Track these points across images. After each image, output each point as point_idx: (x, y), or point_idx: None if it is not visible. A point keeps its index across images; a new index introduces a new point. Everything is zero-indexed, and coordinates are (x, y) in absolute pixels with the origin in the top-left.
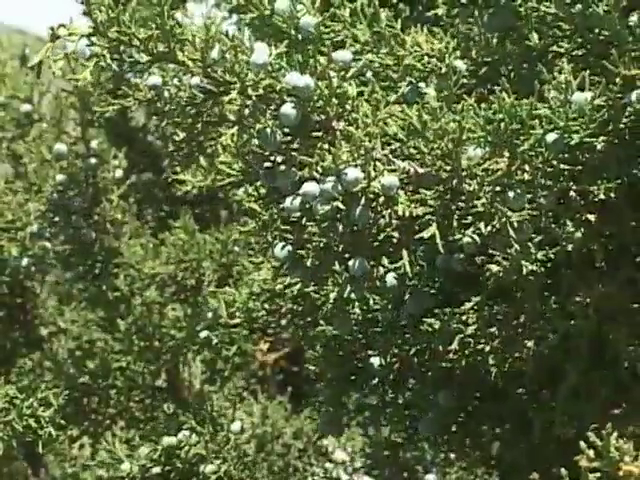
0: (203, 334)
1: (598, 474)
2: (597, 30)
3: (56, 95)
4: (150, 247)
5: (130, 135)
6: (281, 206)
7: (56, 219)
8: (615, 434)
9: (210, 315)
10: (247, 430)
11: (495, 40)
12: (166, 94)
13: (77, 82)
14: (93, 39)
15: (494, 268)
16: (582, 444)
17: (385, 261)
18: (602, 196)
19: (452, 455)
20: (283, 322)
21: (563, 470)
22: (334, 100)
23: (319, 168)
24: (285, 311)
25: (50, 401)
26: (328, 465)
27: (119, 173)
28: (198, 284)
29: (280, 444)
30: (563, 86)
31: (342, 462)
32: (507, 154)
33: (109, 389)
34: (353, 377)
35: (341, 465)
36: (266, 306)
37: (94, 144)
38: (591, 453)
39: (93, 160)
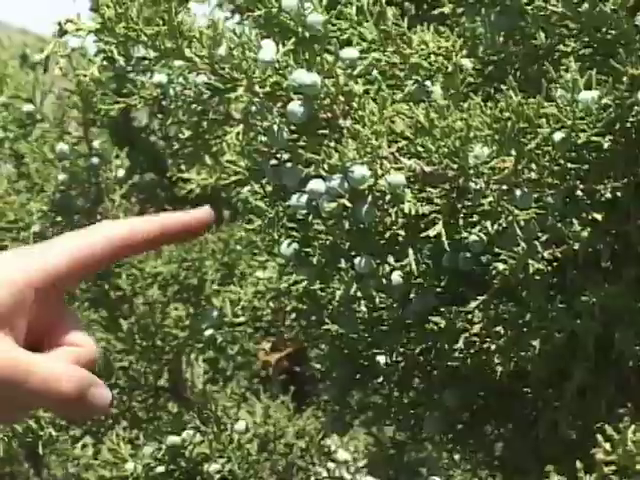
0: (208, 332)
1: (613, 467)
2: (604, 29)
3: (58, 95)
4: None
5: (132, 135)
6: (287, 203)
7: (58, 219)
8: (633, 427)
9: (215, 314)
10: (250, 430)
11: (502, 39)
12: (172, 92)
13: (85, 77)
14: (100, 35)
15: (500, 266)
16: (599, 437)
17: (391, 259)
18: (609, 195)
19: (456, 456)
20: (288, 321)
21: (578, 463)
22: (341, 98)
23: (326, 166)
24: (290, 310)
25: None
26: (331, 465)
27: (121, 173)
28: (200, 283)
29: (282, 444)
30: (570, 85)
31: (345, 462)
32: (514, 153)
33: (112, 389)
34: (359, 375)
35: (344, 465)
36: (271, 305)
37: (96, 144)
38: (608, 446)
39: (95, 160)
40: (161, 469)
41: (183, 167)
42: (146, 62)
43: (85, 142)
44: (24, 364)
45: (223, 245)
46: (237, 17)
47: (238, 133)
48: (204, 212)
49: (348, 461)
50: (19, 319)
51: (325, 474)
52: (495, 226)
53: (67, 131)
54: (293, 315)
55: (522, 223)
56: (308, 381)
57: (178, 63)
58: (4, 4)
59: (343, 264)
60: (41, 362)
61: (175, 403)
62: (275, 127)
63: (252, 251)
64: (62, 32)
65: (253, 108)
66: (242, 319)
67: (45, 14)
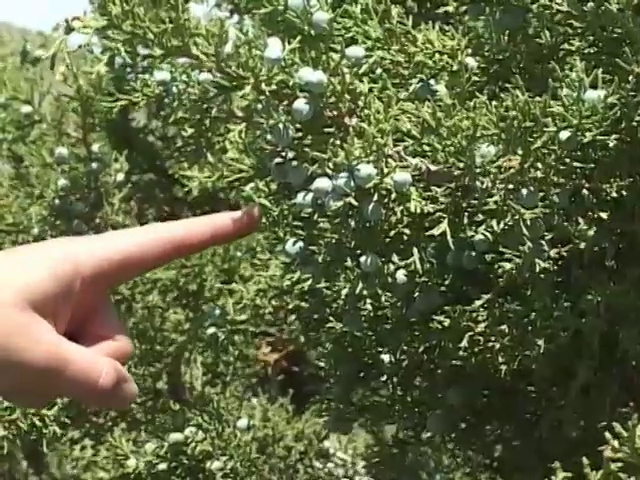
0: (210, 331)
1: (620, 464)
2: (609, 28)
3: (57, 97)
4: None
5: (131, 135)
6: (293, 202)
7: (57, 223)
8: None
9: (217, 312)
10: (250, 430)
11: (506, 38)
12: (174, 90)
13: (91, 75)
14: (107, 33)
15: (507, 266)
16: (607, 434)
17: (396, 258)
18: (614, 194)
19: (458, 459)
20: (289, 320)
21: (585, 459)
22: (346, 96)
23: (331, 164)
24: (292, 308)
25: (54, 400)
26: (329, 465)
27: (120, 177)
28: (200, 289)
29: (281, 446)
30: (576, 84)
31: (343, 463)
32: (520, 151)
33: None
34: (362, 374)
35: (342, 466)
36: (273, 303)
37: (95, 148)
38: (616, 443)
39: (95, 164)
40: (163, 466)
41: (185, 165)
42: (149, 60)
43: (84, 146)
44: (66, 354)
45: (223, 251)
46: (236, 17)
47: (241, 131)
48: (253, 210)
49: (346, 463)
50: (63, 307)
51: (324, 476)
52: (501, 225)
53: (66, 132)
54: (294, 315)
55: (528, 222)
56: (307, 381)
57: (181, 60)
58: (4, 4)
59: (349, 262)
60: (82, 353)
61: (175, 405)
62: (280, 125)
63: (252, 257)
64: (69, 29)
65: (259, 106)
66: (244, 317)
67: (46, 14)
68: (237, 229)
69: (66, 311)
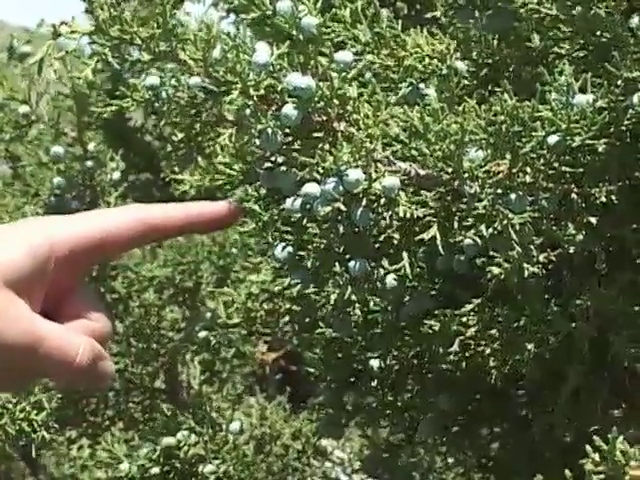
0: (202, 334)
1: (602, 476)
2: (598, 32)
3: (54, 97)
4: (148, 249)
5: (128, 135)
6: (282, 207)
7: None
8: (621, 438)
9: (209, 315)
10: (246, 431)
11: (495, 41)
12: (164, 94)
13: (78, 80)
14: (94, 37)
15: (495, 270)
16: (588, 448)
17: (385, 263)
18: (603, 199)
19: (450, 460)
20: (281, 323)
21: (567, 472)
22: (335, 101)
23: (320, 169)
24: (284, 311)
25: (43, 405)
26: (327, 465)
27: (117, 175)
28: (196, 287)
29: (279, 445)
30: (565, 88)
31: (340, 462)
32: (508, 156)
33: (107, 391)
34: (353, 379)
35: (339, 465)
36: (265, 306)
37: (91, 146)
38: (596, 457)
39: (90, 162)
40: (156, 470)
41: (176, 168)
42: (140, 64)
43: (80, 144)
44: (41, 331)
45: (218, 248)
46: (232, 16)
47: (231, 135)
48: (233, 204)
49: (344, 461)
50: (38, 285)
51: (321, 475)
52: (490, 230)
53: (63, 132)
54: (287, 317)
55: (517, 227)
56: (305, 380)
57: (171, 65)
58: (4, 4)
59: (337, 268)
60: (57, 331)
61: (171, 405)
62: (269, 130)
63: (247, 254)
64: (56, 34)
65: (247, 111)
66: (236, 320)
67: (46, 14)
68: (215, 219)
69: (40, 291)
